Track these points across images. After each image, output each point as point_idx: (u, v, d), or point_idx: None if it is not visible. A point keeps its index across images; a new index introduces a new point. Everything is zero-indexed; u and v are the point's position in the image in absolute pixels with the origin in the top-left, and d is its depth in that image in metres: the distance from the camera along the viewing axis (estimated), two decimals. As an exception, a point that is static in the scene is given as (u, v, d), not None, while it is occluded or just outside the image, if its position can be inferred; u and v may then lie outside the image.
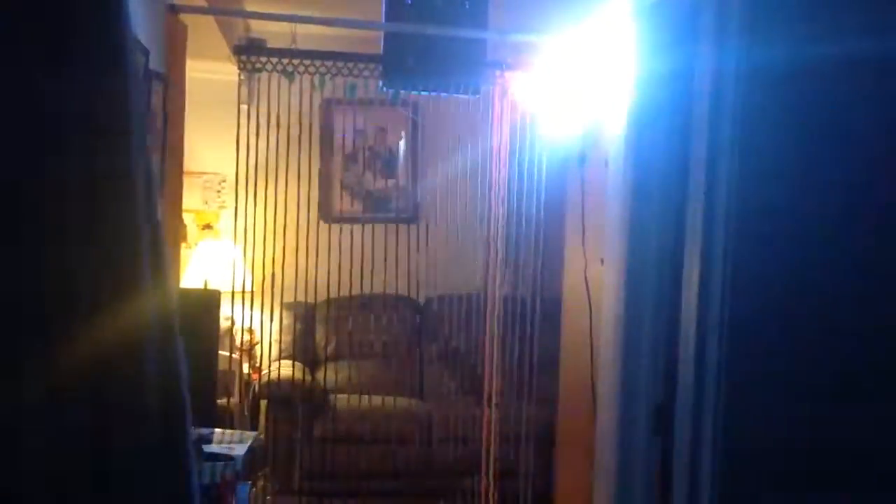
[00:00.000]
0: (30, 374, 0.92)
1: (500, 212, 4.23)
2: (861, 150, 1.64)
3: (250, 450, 3.13)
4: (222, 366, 4.79)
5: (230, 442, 3.09)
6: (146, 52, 2.96)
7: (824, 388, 1.74)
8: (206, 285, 4.65)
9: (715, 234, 1.70)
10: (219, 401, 4.72)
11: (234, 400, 4.97)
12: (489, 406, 4.26)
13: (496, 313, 4.23)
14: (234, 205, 4.47)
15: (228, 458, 2.88)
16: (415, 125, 5.57)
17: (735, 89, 1.62)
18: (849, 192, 1.70)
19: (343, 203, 5.62)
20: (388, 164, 5.71)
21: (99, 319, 0.96)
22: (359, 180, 5.68)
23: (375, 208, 5.65)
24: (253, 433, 3.33)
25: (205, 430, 2.95)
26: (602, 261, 3.48)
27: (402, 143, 5.69)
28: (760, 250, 1.71)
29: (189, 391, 1.07)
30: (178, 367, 1.05)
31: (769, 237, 1.69)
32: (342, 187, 5.66)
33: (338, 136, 5.58)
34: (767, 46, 1.60)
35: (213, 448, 2.93)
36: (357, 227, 5.03)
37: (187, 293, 3.68)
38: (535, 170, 4.26)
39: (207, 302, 3.05)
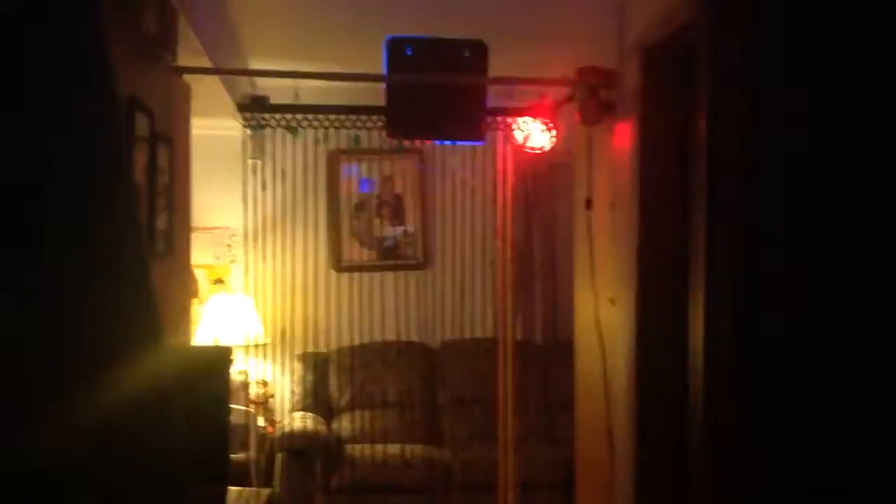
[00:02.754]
0: (19, 454, 0.91)
1: (508, 255, 4.23)
2: (856, 183, 1.64)
3: (266, 507, 3.10)
4: (238, 420, 4.78)
5: (245, 500, 3.06)
6: (150, 114, 3.00)
7: (837, 419, 1.72)
8: (216, 342, 4.65)
9: (718, 271, 1.69)
10: (235, 455, 4.71)
11: (251, 454, 4.94)
12: (504, 452, 4.22)
13: (508, 357, 4.20)
14: (244, 258, 4.50)
15: (243, 518, 2.86)
16: (422, 172, 5.60)
17: (734, 130, 1.63)
18: (847, 223, 1.70)
19: (353, 252, 5.64)
20: (396, 212, 5.73)
21: (93, 388, 0.96)
22: (367, 229, 5.70)
23: (385, 256, 5.66)
24: (268, 490, 3.30)
25: (218, 490, 2.93)
26: (612, 301, 3.47)
27: (409, 191, 5.71)
28: (765, 284, 1.71)
29: (187, 461, 1.05)
30: (176, 438, 1.04)
31: (773, 272, 1.69)
32: (351, 236, 5.68)
33: (345, 186, 5.62)
34: (763, 88, 1.61)
35: (228, 507, 2.91)
36: (367, 276, 5.04)
37: (197, 351, 3.68)
38: (542, 213, 4.26)
39: (218, 359, 3.04)
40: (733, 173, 1.61)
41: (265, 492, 3.26)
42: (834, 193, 1.62)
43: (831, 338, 1.68)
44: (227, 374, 3.19)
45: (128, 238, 1.02)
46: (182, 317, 3.60)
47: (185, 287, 3.66)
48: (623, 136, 3.31)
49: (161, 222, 3.23)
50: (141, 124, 2.91)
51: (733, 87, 1.63)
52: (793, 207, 1.63)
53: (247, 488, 3.61)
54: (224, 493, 3.05)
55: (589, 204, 3.60)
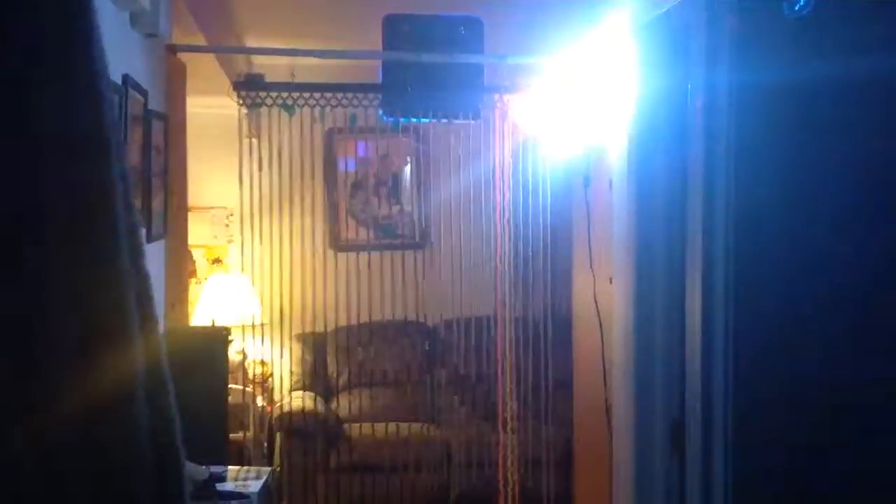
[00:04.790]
0: (20, 425, 0.91)
1: (507, 234, 4.22)
2: (845, 159, 1.64)
3: (265, 486, 3.11)
4: (237, 399, 4.79)
5: (245, 479, 3.07)
6: (144, 93, 2.98)
7: (830, 398, 1.72)
8: (213, 323, 4.65)
9: (715, 248, 1.69)
10: (235, 435, 4.72)
11: (250, 433, 4.95)
12: (504, 430, 4.23)
13: (507, 336, 4.20)
14: (240, 238, 4.49)
15: (243, 496, 2.86)
16: (419, 151, 5.58)
17: (727, 108, 1.62)
18: (838, 196, 1.70)
19: (350, 231, 5.63)
20: (393, 191, 5.72)
21: (86, 369, 0.96)
22: (365, 208, 5.69)
23: (383, 235, 5.65)
24: (268, 469, 3.31)
25: (218, 468, 2.94)
26: (611, 280, 3.47)
27: (406, 169, 5.69)
28: (759, 262, 1.71)
29: (182, 441, 1.05)
30: (170, 417, 1.04)
31: (767, 249, 1.69)
32: (349, 215, 5.67)
33: (342, 165, 5.60)
34: (756, 66, 1.60)
35: (228, 486, 2.92)
36: (365, 255, 5.04)
37: (195, 331, 3.68)
38: (540, 191, 4.25)
39: (215, 339, 3.05)
40: (728, 150, 1.60)
41: (265, 470, 3.26)
42: (830, 171, 1.62)
43: (827, 316, 1.67)
44: (226, 354, 3.19)
45: (120, 223, 1.01)
46: (180, 297, 3.60)
47: (183, 267, 3.66)
48: (620, 113, 3.29)
49: (157, 202, 3.22)
50: (135, 103, 2.89)
51: (727, 65, 1.62)
52: (789, 184, 1.62)
53: (247, 467, 3.62)
54: (224, 472, 3.06)
55: (587, 181, 3.59)
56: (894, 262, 1.73)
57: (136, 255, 1.03)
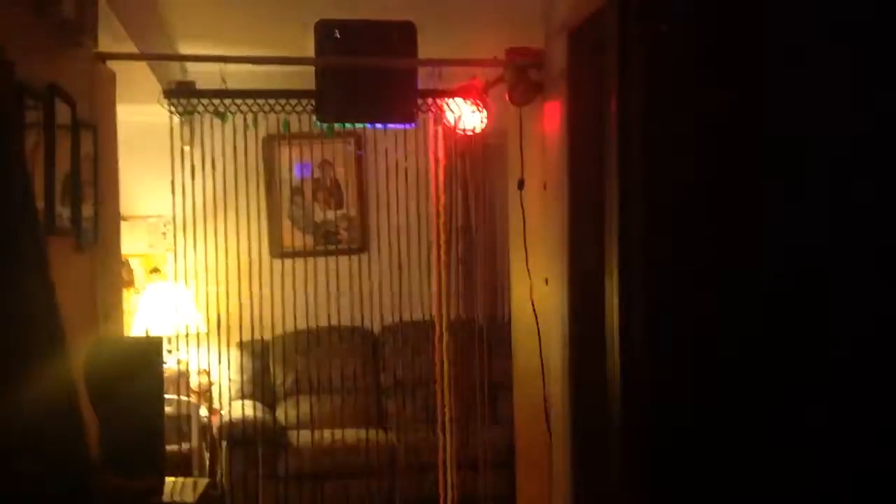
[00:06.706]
0: None
1: (443, 237, 4.23)
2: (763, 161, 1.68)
3: (203, 497, 3.08)
4: (179, 410, 4.74)
5: (181, 491, 3.04)
6: (72, 102, 2.94)
7: (748, 393, 1.76)
8: (147, 333, 4.59)
9: (632, 250, 1.72)
10: (178, 446, 4.67)
11: (193, 444, 4.90)
12: (443, 433, 4.24)
13: (445, 338, 4.22)
14: (180, 247, 4.44)
15: (179, 508, 2.83)
16: (358, 156, 5.58)
17: (642, 113, 1.65)
18: (756, 185, 1.74)
19: (292, 238, 5.60)
20: (334, 196, 5.70)
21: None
22: (306, 214, 5.66)
23: (324, 240, 5.63)
24: (205, 479, 3.28)
25: (155, 481, 2.90)
26: (546, 281, 3.50)
27: (347, 174, 5.68)
28: (677, 261, 1.74)
29: (91, 467, 1.03)
30: (82, 446, 1.02)
31: (685, 248, 1.72)
32: (290, 222, 5.64)
33: (282, 171, 5.57)
34: (669, 82, 1.63)
35: (165, 499, 2.88)
36: (307, 261, 5.01)
37: (128, 342, 3.64)
38: (476, 194, 4.28)
39: (149, 350, 3.01)
40: (643, 151, 1.63)
41: (203, 481, 3.23)
42: (744, 169, 1.66)
43: (743, 315, 1.71)
44: (160, 364, 3.15)
45: (21, 234, 1.00)
46: (114, 307, 3.55)
47: (115, 277, 3.60)
48: (552, 117, 3.33)
49: (87, 211, 3.17)
50: (62, 112, 2.85)
51: (641, 67, 1.65)
52: (702, 184, 1.66)
53: (186, 478, 3.58)
54: (161, 484, 3.02)
55: (521, 184, 3.62)
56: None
57: (38, 264, 1.02)
